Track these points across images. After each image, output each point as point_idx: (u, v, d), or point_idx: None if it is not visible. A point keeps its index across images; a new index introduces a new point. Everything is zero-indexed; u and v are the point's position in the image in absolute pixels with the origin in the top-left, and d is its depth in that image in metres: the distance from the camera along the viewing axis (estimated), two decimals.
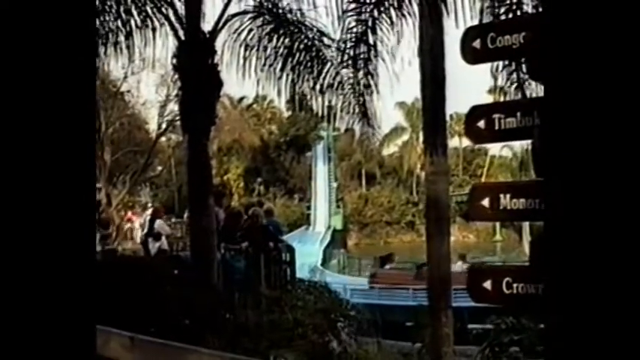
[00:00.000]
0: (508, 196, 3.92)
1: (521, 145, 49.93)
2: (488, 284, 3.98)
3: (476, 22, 8.07)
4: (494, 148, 58.88)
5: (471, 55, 4.12)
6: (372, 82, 9.86)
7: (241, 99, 60.66)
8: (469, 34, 4.13)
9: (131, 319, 5.69)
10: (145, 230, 15.01)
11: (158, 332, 5.25)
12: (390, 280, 23.44)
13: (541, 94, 4.08)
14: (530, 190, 3.77)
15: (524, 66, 8.34)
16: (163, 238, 14.62)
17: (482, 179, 55.36)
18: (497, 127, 4.05)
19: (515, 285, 3.84)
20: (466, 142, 67.69)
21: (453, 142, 58.57)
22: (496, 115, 4.06)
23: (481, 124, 4.12)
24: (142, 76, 32.31)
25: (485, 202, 4.00)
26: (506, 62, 8.19)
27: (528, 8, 8.30)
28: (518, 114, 3.97)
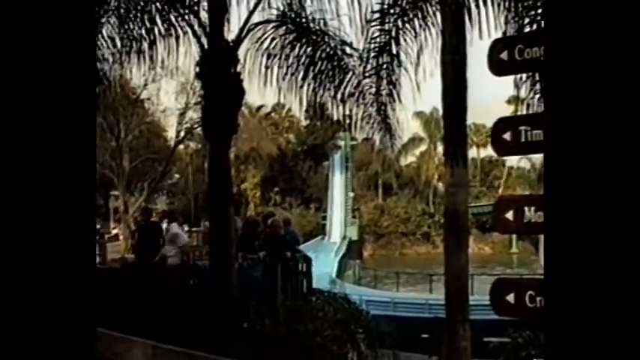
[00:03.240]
0: (532, 208, 3.90)
1: (540, 157, 49.51)
2: (511, 297, 3.96)
3: (499, 33, 8.05)
4: (512, 160, 58.47)
5: (498, 67, 4.11)
6: (394, 92, 9.83)
7: (260, 107, 60.80)
8: (497, 46, 4.11)
9: (151, 328, 5.70)
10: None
11: (178, 341, 5.24)
12: None
13: None
14: None
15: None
16: (178, 242, 14.51)
17: (500, 191, 55.08)
18: (523, 140, 4.02)
19: (538, 298, 3.82)
20: (483, 152, 67.57)
21: (471, 153, 58.25)
22: (522, 128, 4.03)
23: (507, 136, 4.09)
24: (162, 84, 32.40)
25: (510, 215, 3.98)
26: (530, 73, 8.15)
27: None
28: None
